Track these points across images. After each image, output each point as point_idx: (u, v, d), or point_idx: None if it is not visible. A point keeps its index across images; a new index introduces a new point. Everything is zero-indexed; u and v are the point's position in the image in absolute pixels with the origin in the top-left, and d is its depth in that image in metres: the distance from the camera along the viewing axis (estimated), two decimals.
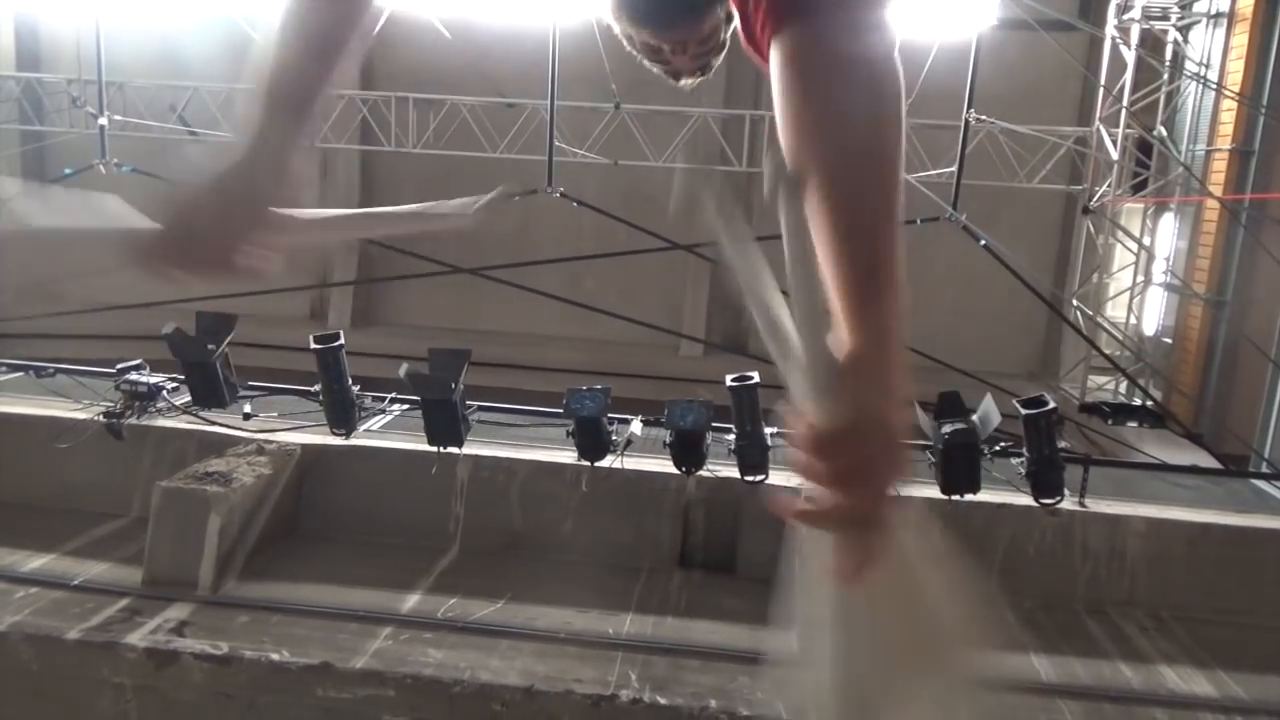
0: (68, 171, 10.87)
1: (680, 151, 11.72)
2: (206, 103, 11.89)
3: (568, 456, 5.53)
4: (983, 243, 9.53)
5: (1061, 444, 5.30)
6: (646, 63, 1.35)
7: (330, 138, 11.91)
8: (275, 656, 4.25)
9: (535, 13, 10.58)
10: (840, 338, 0.89)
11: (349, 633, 4.49)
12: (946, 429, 5.08)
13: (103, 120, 10.54)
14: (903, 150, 0.89)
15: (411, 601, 4.85)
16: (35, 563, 4.97)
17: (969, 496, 5.16)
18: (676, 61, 1.31)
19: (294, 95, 1.13)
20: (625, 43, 1.33)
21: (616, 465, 5.44)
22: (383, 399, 6.18)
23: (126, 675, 4.26)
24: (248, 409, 5.82)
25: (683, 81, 1.37)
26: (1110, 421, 10.75)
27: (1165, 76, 10.77)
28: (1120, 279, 11.69)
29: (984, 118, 10.29)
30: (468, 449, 5.51)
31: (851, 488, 0.85)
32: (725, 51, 1.35)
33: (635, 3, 1.21)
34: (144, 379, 5.76)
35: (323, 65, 1.16)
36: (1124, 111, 10.73)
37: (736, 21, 1.19)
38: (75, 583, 4.77)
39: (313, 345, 5.51)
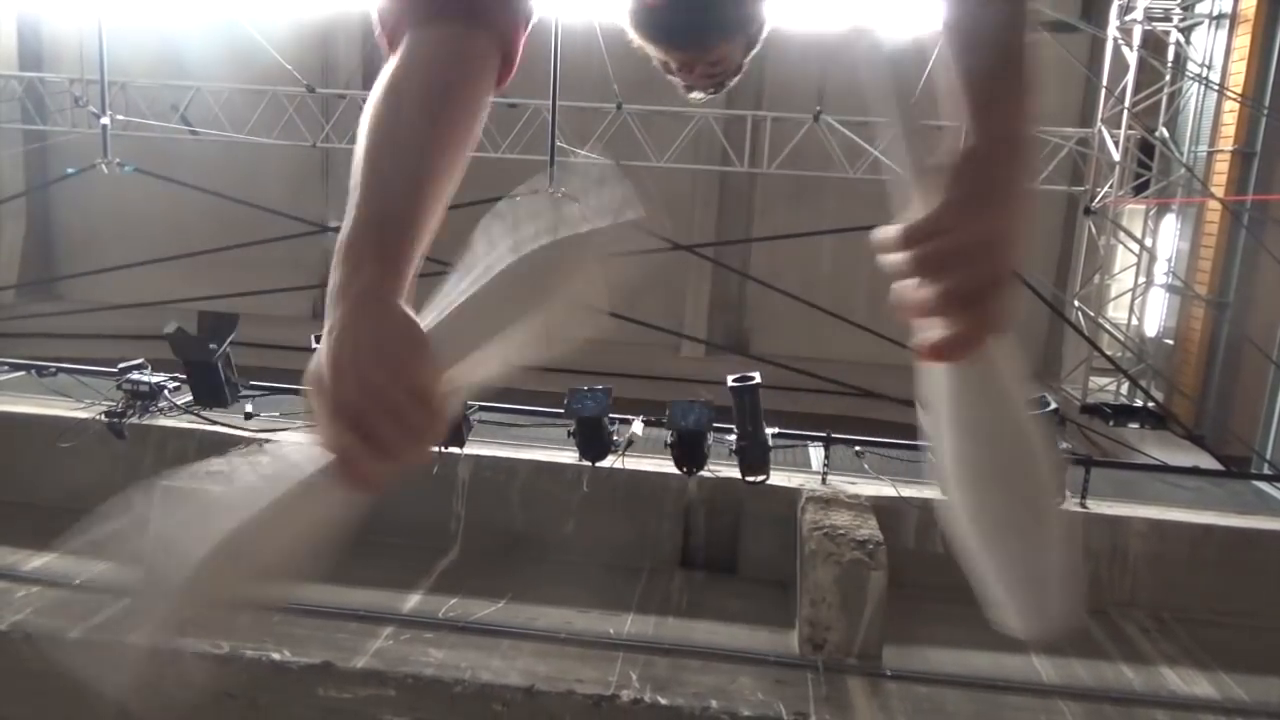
0: (70, 171, 10.88)
1: (682, 151, 11.71)
2: (208, 102, 11.91)
3: (569, 456, 5.53)
4: None
5: (1063, 445, 5.30)
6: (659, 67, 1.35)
7: (332, 138, 11.93)
8: (276, 656, 4.25)
9: (536, 11, 10.56)
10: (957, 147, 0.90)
11: (350, 632, 4.49)
12: None
13: (105, 120, 10.54)
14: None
15: (412, 601, 4.85)
16: (36, 562, 4.98)
17: None
18: (682, 77, 1.31)
19: (396, 241, 0.89)
20: (638, 47, 1.33)
21: (618, 465, 5.44)
22: None
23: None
24: (249, 408, 5.83)
25: (693, 94, 1.38)
26: (1112, 423, 10.74)
27: (1167, 78, 10.77)
28: (1122, 280, 11.68)
29: None
30: (469, 449, 5.51)
31: (972, 266, 0.82)
32: (741, 74, 1.34)
33: (644, 16, 1.21)
34: (145, 378, 5.77)
35: (431, 195, 0.92)
36: (1126, 112, 10.72)
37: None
38: (77, 582, 4.78)
39: (314, 345, 5.50)
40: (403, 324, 0.85)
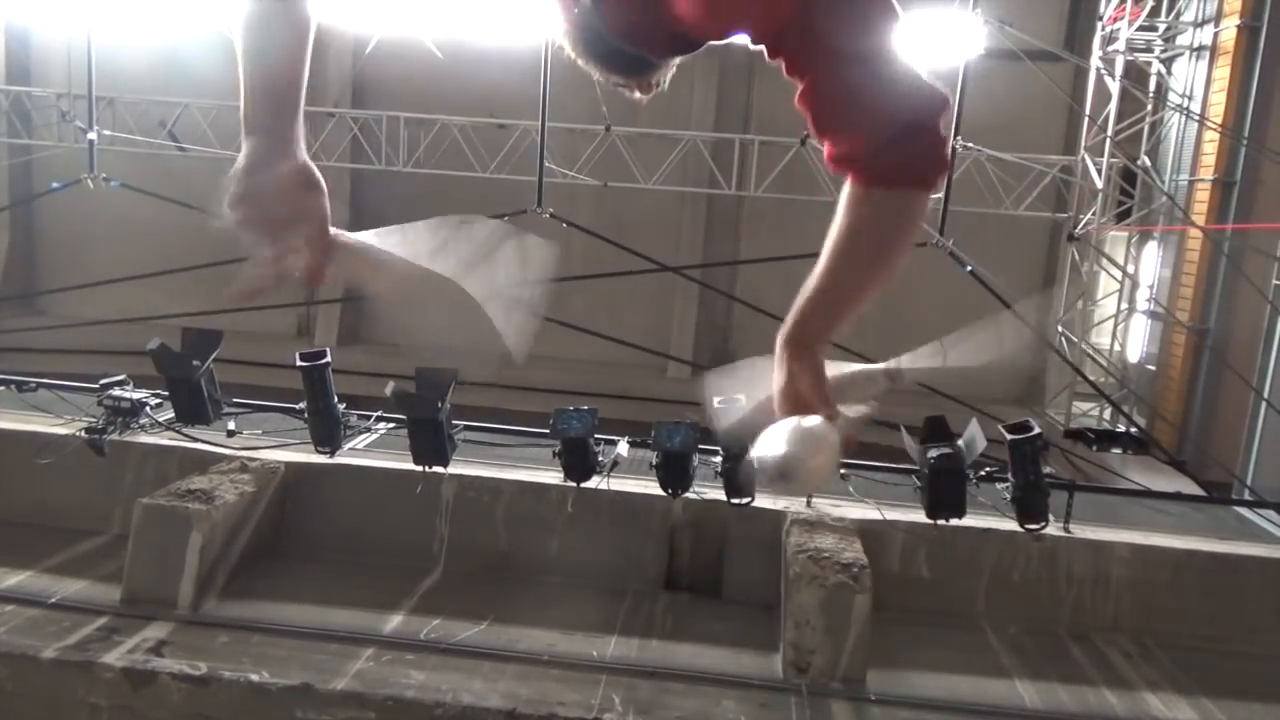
0: (55, 185, 10.84)
1: (670, 173, 11.76)
2: (196, 118, 11.90)
3: (554, 477, 5.51)
4: (969, 269, 9.60)
5: (1046, 470, 5.32)
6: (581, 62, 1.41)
7: (321, 155, 11.92)
8: (255, 677, 4.20)
9: (527, 33, 10.65)
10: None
11: (330, 653, 4.44)
12: (932, 453, 5.08)
13: (92, 135, 10.52)
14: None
15: (394, 622, 4.80)
16: (12, 579, 4.90)
17: (954, 521, 5.16)
18: (615, 84, 1.38)
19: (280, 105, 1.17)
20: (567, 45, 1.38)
21: (603, 486, 5.42)
22: (368, 417, 6.14)
23: (103, 695, 4.20)
24: (232, 426, 5.78)
25: (636, 95, 1.45)
26: (1095, 448, 10.81)
27: (1149, 107, 10.93)
28: (1105, 306, 11.80)
29: (971, 145, 10.40)
30: (453, 468, 5.48)
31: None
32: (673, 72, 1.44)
33: (581, 40, 1.26)
34: (127, 394, 5.71)
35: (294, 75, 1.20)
36: (1108, 141, 10.87)
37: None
38: (52, 600, 4.71)
39: (299, 362, 5.48)
40: (302, 164, 1.16)
